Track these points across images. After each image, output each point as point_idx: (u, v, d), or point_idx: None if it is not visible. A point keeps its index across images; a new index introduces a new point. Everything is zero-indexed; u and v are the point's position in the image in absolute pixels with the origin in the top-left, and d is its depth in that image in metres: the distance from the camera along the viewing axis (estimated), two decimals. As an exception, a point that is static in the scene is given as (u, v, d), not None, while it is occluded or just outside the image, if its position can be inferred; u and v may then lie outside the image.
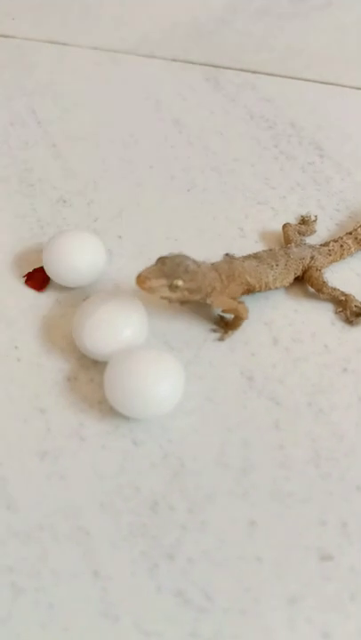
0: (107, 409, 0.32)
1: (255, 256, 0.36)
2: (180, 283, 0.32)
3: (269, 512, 0.29)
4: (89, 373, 0.33)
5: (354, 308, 0.35)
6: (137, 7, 0.58)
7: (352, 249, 0.38)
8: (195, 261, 0.33)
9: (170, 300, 0.33)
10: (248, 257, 0.36)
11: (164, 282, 0.31)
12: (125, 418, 0.31)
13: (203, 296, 0.33)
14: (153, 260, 0.38)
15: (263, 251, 0.36)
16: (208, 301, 0.34)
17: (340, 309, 0.36)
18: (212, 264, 0.34)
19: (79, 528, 0.28)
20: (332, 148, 0.45)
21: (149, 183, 0.43)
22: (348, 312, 0.35)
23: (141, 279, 0.31)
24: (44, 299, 0.37)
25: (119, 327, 0.33)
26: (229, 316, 0.35)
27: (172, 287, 0.32)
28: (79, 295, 0.37)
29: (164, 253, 0.33)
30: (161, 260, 0.32)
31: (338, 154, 0.45)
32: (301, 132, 0.47)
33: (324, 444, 0.31)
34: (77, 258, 0.36)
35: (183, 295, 0.32)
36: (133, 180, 0.43)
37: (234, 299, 0.35)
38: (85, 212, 0.41)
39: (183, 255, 0.33)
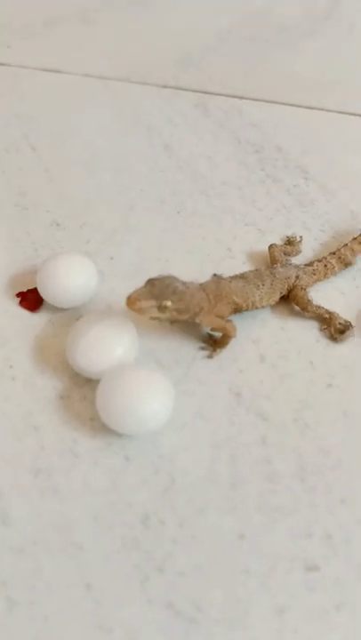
0: (99, 426, 0.33)
1: (242, 276, 0.37)
2: (168, 303, 0.33)
3: (257, 525, 0.30)
4: (82, 391, 0.34)
5: (338, 326, 0.36)
6: (128, 35, 0.60)
7: (336, 268, 0.39)
8: (183, 282, 0.34)
9: (159, 320, 0.34)
10: (235, 277, 0.37)
11: (153, 303, 0.33)
12: (117, 434, 0.32)
13: (191, 315, 0.34)
14: (144, 281, 0.40)
15: (250, 271, 0.38)
16: (197, 320, 0.35)
17: (325, 327, 0.37)
18: (200, 284, 0.36)
19: (72, 542, 0.29)
20: (317, 170, 0.47)
21: (140, 206, 0.45)
22: (332, 329, 0.37)
23: (131, 301, 0.32)
24: (38, 319, 0.38)
25: (111, 346, 0.34)
26: (218, 335, 0.36)
27: (161, 308, 0.33)
28: (72, 315, 0.38)
29: (155, 274, 0.34)
30: (150, 282, 0.33)
31: (322, 176, 0.46)
32: (287, 155, 0.48)
33: (309, 459, 0.32)
34: (70, 279, 0.37)
35: (172, 315, 0.34)
36: (125, 203, 0.45)
37: (222, 318, 0.36)
38: (78, 234, 0.43)
39: (172, 277, 0.34)
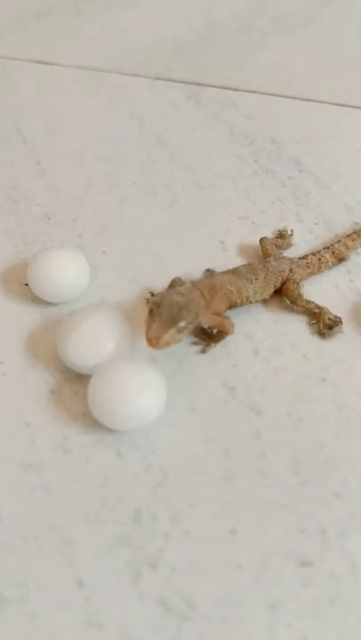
0: (91, 421, 0.32)
1: (234, 271, 0.37)
2: (183, 324, 0.32)
3: (250, 520, 0.30)
4: (73, 386, 0.34)
5: (327, 321, 0.36)
6: (120, 27, 0.59)
7: (330, 263, 0.39)
8: (177, 292, 0.33)
9: (180, 341, 0.33)
10: (227, 272, 0.37)
11: (172, 331, 0.32)
12: (109, 430, 0.32)
13: (197, 318, 0.33)
14: (136, 276, 0.39)
15: (242, 265, 0.37)
16: (198, 320, 0.34)
17: (314, 322, 0.37)
18: (192, 283, 0.35)
19: (63, 538, 0.29)
20: (312, 162, 0.47)
21: (133, 199, 0.44)
22: (320, 324, 0.36)
23: (154, 342, 0.31)
24: (29, 314, 0.37)
25: (103, 341, 0.33)
26: (212, 330, 0.36)
27: (180, 330, 0.32)
28: (63, 310, 0.37)
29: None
30: (155, 312, 0.32)
31: (317, 168, 0.46)
32: (281, 147, 0.48)
33: (303, 453, 0.32)
34: (61, 274, 0.37)
35: (189, 329, 0.33)
36: (117, 196, 0.44)
37: (220, 314, 0.35)
38: (70, 228, 0.42)
39: (166, 293, 0.33)
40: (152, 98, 0.52)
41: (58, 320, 0.37)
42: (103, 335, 0.34)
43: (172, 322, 0.32)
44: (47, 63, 0.55)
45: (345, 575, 0.28)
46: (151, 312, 0.32)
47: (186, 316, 0.32)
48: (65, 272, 0.37)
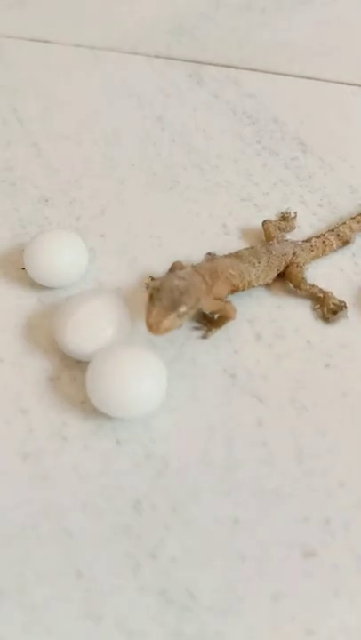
0: (89, 408, 0.32)
1: (236, 255, 0.36)
2: (183, 308, 0.31)
3: (252, 509, 0.29)
4: (71, 373, 0.33)
5: (331, 306, 0.35)
6: (119, 3, 0.57)
7: (334, 245, 0.38)
8: (178, 276, 0.32)
9: (180, 326, 0.32)
10: (229, 256, 0.36)
11: (172, 316, 0.31)
12: (108, 417, 0.31)
13: (198, 302, 0.32)
14: (135, 259, 0.38)
15: (245, 249, 0.36)
16: (199, 305, 0.33)
17: (318, 306, 0.36)
18: (193, 267, 0.34)
19: (62, 529, 0.28)
20: (315, 143, 0.45)
21: (132, 181, 0.43)
22: (325, 309, 0.35)
23: (154, 327, 0.30)
24: (26, 298, 0.36)
25: (101, 326, 0.33)
26: (213, 314, 0.35)
27: (180, 315, 0.31)
28: (61, 294, 0.36)
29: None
30: (155, 297, 0.31)
31: (321, 149, 0.45)
32: (284, 127, 0.47)
33: (306, 441, 0.31)
34: (59, 257, 0.36)
35: (190, 314, 0.32)
36: (116, 178, 0.43)
37: (221, 299, 0.34)
38: (68, 210, 0.41)
39: (166, 277, 0.32)
40: (152, 76, 0.51)
41: (56, 305, 0.36)
42: (102, 320, 0.33)
43: (173, 307, 0.31)
44: (44, 41, 0.54)
45: (349, 566, 0.28)
46: (151, 297, 0.31)
47: (187, 300, 0.31)
48: (62, 256, 0.36)
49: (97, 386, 0.31)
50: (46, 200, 0.42)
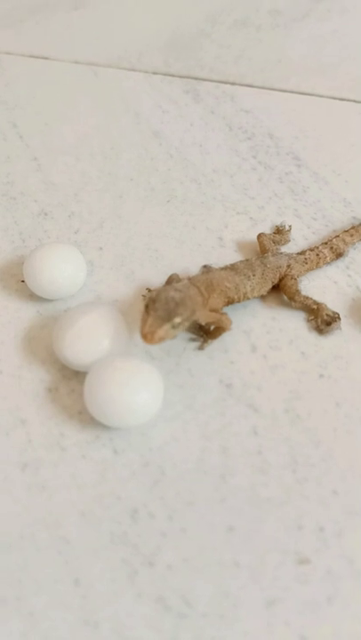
0: (87, 419, 0.32)
1: (232, 267, 0.36)
2: (178, 319, 0.32)
3: (247, 517, 0.30)
4: (70, 384, 0.34)
5: (325, 317, 0.36)
6: (117, 21, 0.59)
7: (328, 258, 0.39)
8: (174, 288, 0.33)
9: (175, 337, 0.33)
10: (225, 268, 0.36)
11: (167, 326, 0.31)
12: (106, 427, 0.32)
13: (193, 314, 0.33)
14: (133, 272, 0.39)
15: (240, 261, 0.37)
16: (195, 317, 0.34)
17: (312, 317, 0.36)
18: (189, 279, 0.35)
19: (60, 537, 0.29)
20: (310, 157, 0.46)
21: (130, 195, 0.44)
22: (318, 320, 0.36)
23: (149, 336, 0.31)
24: (25, 311, 0.37)
25: (99, 337, 0.33)
26: (209, 326, 0.36)
27: (175, 326, 0.32)
28: (60, 307, 0.37)
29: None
30: (150, 307, 0.32)
31: (315, 163, 0.46)
32: (279, 142, 0.48)
33: (301, 450, 0.32)
34: (58, 270, 0.37)
35: (184, 326, 0.33)
36: (114, 192, 0.44)
37: (217, 311, 0.35)
38: (67, 224, 0.42)
39: (162, 289, 0.33)
40: (149, 92, 0.52)
41: (54, 317, 0.36)
42: (99, 332, 0.33)
43: (168, 317, 0.31)
44: (43, 58, 0.55)
45: (342, 573, 0.28)
46: (147, 307, 0.32)
47: (182, 311, 0.32)
48: (61, 269, 0.37)
49: (94, 396, 0.31)
50: (46, 214, 0.42)
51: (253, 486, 0.30)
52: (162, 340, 0.31)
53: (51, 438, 0.32)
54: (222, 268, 0.37)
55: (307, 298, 0.37)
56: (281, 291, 0.37)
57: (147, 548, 0.29)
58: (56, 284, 0.36)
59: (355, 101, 0.51)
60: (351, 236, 0.39)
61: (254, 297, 0.37)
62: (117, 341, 0.34)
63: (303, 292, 0.37)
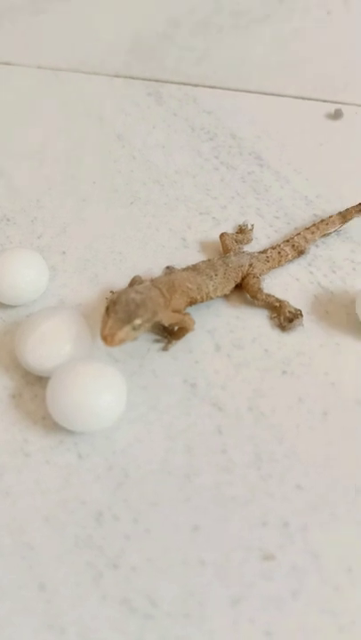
0: (51, 424, 0.32)
1: (194, 268, 0.37)
2: (138, 321, 0.32)
3: (212, 516, 0.30)
4: (33, 389, 0.34)
5: (287, 314, 0.36)
6: (79, 25, 0.58)
7: (290, 256, 0.39)
8: (135, 290, 0.33)
9: (136, 339, 0.33)
10: (187, 269, 0.37)
11: (127, 328, 0.31)
12: (69, 432, 0.32)
13: (155, 316, 0.33)
14: (96, 275, 0.39)
15: (202, 262, 0.37)
16: (157, 319, 0.34)
17: (275, 315, 0.37)
18: (151, 281, 0.35)
19: (24, 543, 0.29)
20: (271, 157, 0.46)
21: (93, 198, 0.44)
22: (281, 318, 0.36)
23: (109, 338, 0.31)
24: (-12, 317, 0.37)
25: (61, 342, 0.33)
26: (173, 327, 0.36)
27: (136, 327, 0.32)
28: (23, 312, 0.37)
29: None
30: (110, 309, 0.32)
31: (277, 163, 0.46)
32: (242, 142, 0.48)
33: (265, 447, 0.32)
34: (20, 276, 0.36)
35: (145, 327, 0.33)
36: (77, 195, 0.44)
37: (180, 311, 0.35)
38: (29, 229, 0.42)
39: (123, 291, 0.33)
40: (112, 96, 0.52)
41: (17, 322, 0.36)
42: (61, 336, 0.33)
43: (128, 319, 0.32)
44: (5, 63, 0.54)
45: (307, 568, 0.28)
46: (107, 310, 0.32)
47: (142, 313, 0.32)
48: (23, 274, 0.36)
49: (57, 401, 0.31)
50: (8, 220, 0.42)
51: (218, 485, 0.31)
52: (122, 341, 0.32)
53: (14, 444, 0.32)
54: (184, 269, 0.37)
55: (269, 296, 0.37)
56: (244, 289, 0.38)
57: (111, 550, 0.29)
58: (18, 289, 0.36)
59: (316, 100, 0.52)
60: (312, 233, 0.40)
61: (217, 296, 0.37)
62: (80, 345, 0.34)
63: (266, 290, 0.37)
